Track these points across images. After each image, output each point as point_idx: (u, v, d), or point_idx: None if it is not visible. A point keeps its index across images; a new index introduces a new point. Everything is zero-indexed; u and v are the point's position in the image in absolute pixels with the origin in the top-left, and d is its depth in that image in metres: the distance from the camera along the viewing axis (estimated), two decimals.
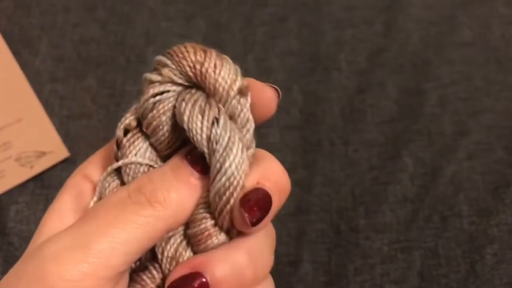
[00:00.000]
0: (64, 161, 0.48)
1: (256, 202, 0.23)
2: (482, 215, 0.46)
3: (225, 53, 0.26)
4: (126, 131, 0.25)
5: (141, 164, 0.25)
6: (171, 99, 0.24)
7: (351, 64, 0.54)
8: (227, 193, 0.23)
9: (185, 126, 0.23)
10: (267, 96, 0.26)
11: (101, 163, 0.28)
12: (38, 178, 0.47)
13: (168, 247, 0.25)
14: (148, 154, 0.26)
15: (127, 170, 0.25)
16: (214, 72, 0.24)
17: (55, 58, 0.52)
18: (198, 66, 0.24)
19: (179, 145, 0.26)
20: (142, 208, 0.23)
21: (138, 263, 0.26)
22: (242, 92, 0.24)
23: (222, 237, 0.24)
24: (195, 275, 0.23)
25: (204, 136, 0.23)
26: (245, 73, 0.26)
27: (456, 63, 0.54)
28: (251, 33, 0.56)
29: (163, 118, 0.24)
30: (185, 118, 0.23)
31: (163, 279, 0.25)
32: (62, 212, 0.27)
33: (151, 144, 0.25)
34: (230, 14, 0.57)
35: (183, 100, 0.24)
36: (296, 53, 0.55)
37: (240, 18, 0.57)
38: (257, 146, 0.25)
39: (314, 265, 0.45)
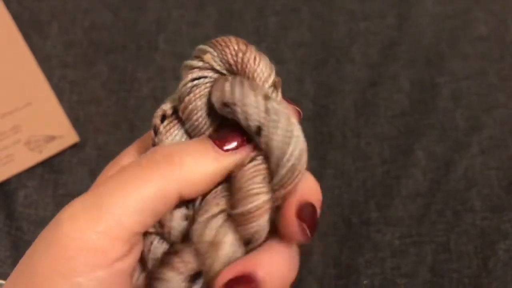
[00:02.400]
0: (74, 146, 0.47)
1: (309, 215, 0.24)
2: (495, 211, 0.45)
3: None
4: (163, 118, 0.26)
5: None
6: (208, 84, 0.25)
7: (363, 57, 0.54)
8: (296, 161, 0.24)
9: (236, 101, 0.24)
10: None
11: (137, 155, 0.28)
12: (47, 163, 0.46)
13: (207, 231, 0.24)
14: (183, 140, 0.26)
15: None
16: (254, 62, 0.25)
17: (65, 43, 0.51)
18: (240, 55, 0.25)
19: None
20: (156, 166, 0.23)
21: (169, 246, 0.26)
22: (275, 86, 0.26)
23: (268, 217, 0.24)
24: (247, 277, 0.23)
25: (262, 108, 0.24)
26: None
27: (470, 58, 0.54)
28: (263, 23, 0.55)
29: (199, 102, 0.25)
30: (237, 94, 0.24)
31: (199, 264, 0.25)
32: None
33: (186, 131, 0.26)
34: (242, 3, 0.56)
35: (227, 80, 0.25)
36: (308, 44, 0.55)
37: (252, 7, 0.56)
38: None
39: (325, 257, 0.45)
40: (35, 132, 0.47)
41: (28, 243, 0.43)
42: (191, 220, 0.25)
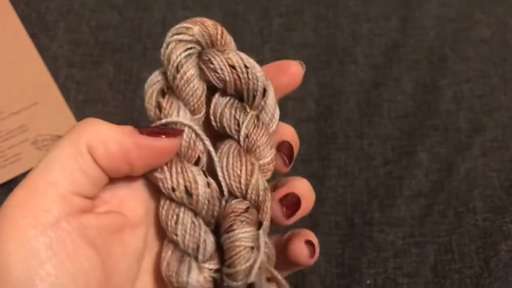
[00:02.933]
0: None
1: (286, 149, 0.31)
2: (497, 212, 0.46)
3: (242, 43, 0.30)
4: (163, 94, 0.28)
5: (183, 124, 0.28)
6: (195, 56, 0.29)
7: (367, 58, 0.54)
8: (277, 115, 0.31)
9: (249, 65, 0.29)
10: (292, 70, 0.32)
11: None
12: None
13: (261, 182, 0.29)
14: (184, 113, 0.28)
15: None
16: (228, 36, 0.30)
17: (72, 43, 0.52)
18: (219, 28, 0.30)
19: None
20: (67, 134, 0.26)
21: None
22: None
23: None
24: (292, 193, 0.30)
25: (263, 81, 0.29)
26: (261, 63, 0.30)
27: (473, 60, 0.54)
28: (268, 24, 0.56)
29: (193, 71, 0.28)
30: (246, 60, 0.29)
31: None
32: None
33: (183, 102, 0.29)
34: (246, 5, 0.57)
35: (225, 51, 0.29)
36: (312, 46, 0.55)
37: (257, 9, 0.57)
38: None
39: (327, 257, 0.45)
40: (42, 131, 0.47)
41: None
42: (211, 187, 0.29)
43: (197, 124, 0.29)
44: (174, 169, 0.28)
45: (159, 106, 0.28)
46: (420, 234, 0.45)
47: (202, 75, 0.29)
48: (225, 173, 0.29)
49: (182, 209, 0.28)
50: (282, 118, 0.51)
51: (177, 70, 0.28)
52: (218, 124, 0.30)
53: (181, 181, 0.28)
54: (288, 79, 0.32)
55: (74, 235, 0.24)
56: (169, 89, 0.29)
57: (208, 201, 0.28)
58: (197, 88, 0.29)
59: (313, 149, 0.50)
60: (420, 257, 0.44)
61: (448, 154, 0.49)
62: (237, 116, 0.30)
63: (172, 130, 0.28)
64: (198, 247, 0.28)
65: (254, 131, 0.30)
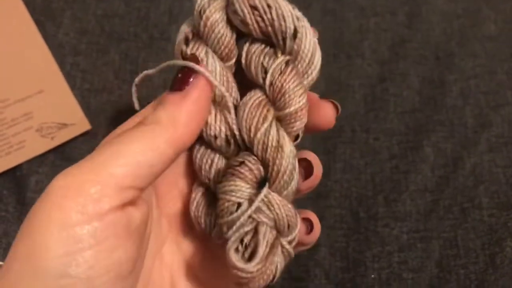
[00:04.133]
0: (85, 134, 0.47)
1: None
2: (502, 208, 0.46)
3: None
4: (187, 42, 0.28)
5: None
6: (220, 1, 0.27)
7: (374, 53, 0.54)
8: (319, 64, 0.28)
9: (272, 4, 0.27)
10: (323, 113, 0.30)
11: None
12: (58, 150, 0.47)
13: (270, 137, 0.27)
14: (212, 60, 0.28)
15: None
16: None
17: (78, 31, 0.51)
18: None
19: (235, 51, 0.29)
20: (144, 124, 0.26)
21: (231, 160, 0.28)
22: None
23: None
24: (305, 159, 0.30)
25: (294, 14, 0.27)
26: None
27: (479, 56, 0.54)
28: None
29: (217, 15, 0.27)
30: (272, 1, 0.27)
31: (264, 170, 0.27)
32: None
33: (211, 48, 0.28)
34: None
35: None
36: (319, 40, 0.55)
37: None
38: None
39: (331, 250, 0.45)
40: (46, 119, 0.47)
41: None
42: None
43: (229, 71, 0.28)
44: (218, 117, 0.28)
45: (182, 55, 0.28)
46: (426, 229, 0.45)
47: (230, 21, 0.28)
48: (240, 124, 0.28)
49: (217, 155, 0.28)
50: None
51: (200, 16, 0.27)
52: (248, 73, 0.28)
53: (223, 129, 0.28)
54: (320, 120, 0.30)
55: (119, 228, 0.24)
56: (195, 36, 0.28)
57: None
58: (223, 33, 0.27)
59: (318, 142, 0.49)
60: (425, 252, 0.44)
61: (454, 149, 0.49)
62: (264, 63, 0.28)
63: (187, 72, 0.27)
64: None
65: (279, 77, 0.27)
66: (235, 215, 0.26)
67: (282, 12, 0.27)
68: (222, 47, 0.28)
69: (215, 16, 0.27)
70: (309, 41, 0.28)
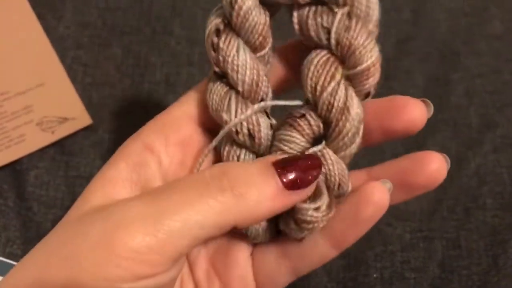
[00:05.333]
0: (86, 129, 0.47)
1: None
2: (506, 209, 0.45)
3: None
4: (218, 33, 0.26)
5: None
6: None
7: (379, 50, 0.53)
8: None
9: None
10: (412, 114, 0.27)
11: (163, 131, 0.27)
12: (59, 144, 0.46)
13: (337, 97, 0.25)
14: (243, 54, 0.26)
15: (234, 69, 0.26)
16: None
17: (79, 24, 0.51)
18: None
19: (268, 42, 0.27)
20: (222, 194, 0.23)
21: (294, 112, 0.27)
22: None
23: None
24: None
25: None
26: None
27: (485, 55, 0.54)
28: (279, 13, 0.55)
29: (249, 2, 0.25)
30: None
31: (324, 127, 0.26)
32: (116, 180, 0.26)
33: (243, 40, 0.26)
34: None
35: None
36: None
37: None
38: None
39: None
40: (47, 113, 0.46)
41: (38, 224, 0.43)
42: (274, 128, 0.27)
43: (262, 61, 0.27)
44: (239, 111, 0.26)
45: (213, 47, 0.26)
46: (429, 229, 0.45)
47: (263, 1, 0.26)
48: (304, 82, 0.26)
49: (244, 150, 0.27)
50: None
51: (232, 6, 0.25)
52: (308, 40, 0.26)
53: (244, 123, 0.27)
54: (404, 124, 0.27)
55: None
56: (226, 27, 0.26)
57: (270, 143, 0.27)
58: (256, 21, 0.26)
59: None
60: (427, 252, 0.44)
61: (458, 149, 0.48)
62: (324, 23, 0.25)
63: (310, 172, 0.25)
64: None
65: (346, 33, 0.25)
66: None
67: None
68: (256, 36, 0.26)
69: (247, 4, 0.25)
70: None
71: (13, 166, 0.45)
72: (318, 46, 0.26)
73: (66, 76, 0.48)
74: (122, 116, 0.48)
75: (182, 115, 0.28)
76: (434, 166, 0.27)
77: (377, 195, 0.26)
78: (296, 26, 0.26)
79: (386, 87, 0.51)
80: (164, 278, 0.23)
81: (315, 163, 0.25)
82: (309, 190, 0.25)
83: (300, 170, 0.24)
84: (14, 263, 0.42)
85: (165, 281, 0.23)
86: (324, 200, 0.26)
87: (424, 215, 0.45)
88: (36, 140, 0.45)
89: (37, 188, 0.44)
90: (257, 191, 0.23)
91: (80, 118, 0.47)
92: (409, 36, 0.54)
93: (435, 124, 0.49)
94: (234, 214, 0.23)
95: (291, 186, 0.24)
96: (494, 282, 0.42)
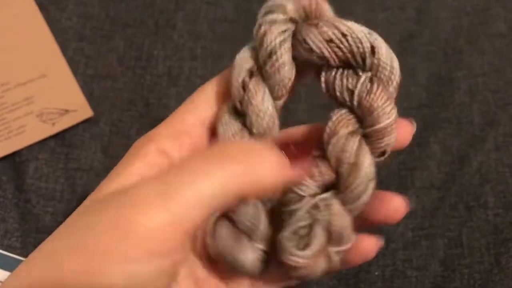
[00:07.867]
0: (87, 121, 0.46)
1: None
2: (509, 208, 0.45)
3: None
4: (250, 75, 0.27)
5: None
6: (289, 38, 0.27)
7: None
8: (399, 75, 0.28)
9: (346, 32, 0.27)
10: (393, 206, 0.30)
11: (179, 139, 0.27)
12: (59, 136, 0.46)
13: (347, 153, 0.27)
14: (267, 101, 0.27)
15: (256, 112, 0.27)
16: (323, 4, 0.28)
17: (82, 16, 0.51)
18: (313, 1, 0.27)
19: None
20: (230, 162, 0.23)
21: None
22: None
23: None
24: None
25: (365, 31, 0.27)
26: None
27: (488, 54, 0.53)
28: None
29: (286, 58, 0.27)
30: (342, 27, 0.27)
31: (334, 178, 0.27)
32: (132, 175, 0.26)
33: (268, 87, 0.28)
34: None
35: (318, 25, 0.27)
36: None
37: None
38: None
39: None
40: (48, 104, 0.46)
41: (36, 217, 0.43)
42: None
43: (278, 110, 0.28)
44: None
45: (244, 86, 0.27)
46: (431, 227, 0.45)
47: (297, 53, 0.27)
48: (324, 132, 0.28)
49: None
50: (296, 105, 0.50)
51: (270, 56, 0.27)
52: (332, 97, 0.28)
53: None
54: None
55: None
56: (258, 70, 0.27)
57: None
58: (286, 76, 0.27)
59: None
60: (429, 250, 0.44)
61: (461, 147, 0.48)
62: (349, 85, 0.27)
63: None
64: (254, 227, 0.28)
65: (367, 97, 0.27)
66: (297, 205, 0.27)
67: (357, 35, 0.27)
68: (282, 89, 0.27)
69: (283, 59, 0.27)
70: (385, 51, 0.27)
71: (12, 157, 0.44)
72: (342, 105, 0.28)
73: (68, 68, 0.48)
74: (123, 108, 0.48)
75: (196, 121, 0.29)
76: (393, 205, 0.30)
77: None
78: (323, 85, 0.28)
79: None
80: (177, 256, 0.23)
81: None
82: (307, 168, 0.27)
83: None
84: (12, 255, 0.41)
85: (177, 259, 0.23)
86: (313, 248, 0.27)
87: (426, 212, 0.45)
88: (36, 131, 0.45)
89: (36, 180, 0.44)
90: (261, 158, 0.24)
91: (81, 110, 0.46)
92: (413, 34, 0.54)
93: (438, 122, 0.49)
94: (241, 182, 0.23)
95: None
96: (496, 280, 0.42)
